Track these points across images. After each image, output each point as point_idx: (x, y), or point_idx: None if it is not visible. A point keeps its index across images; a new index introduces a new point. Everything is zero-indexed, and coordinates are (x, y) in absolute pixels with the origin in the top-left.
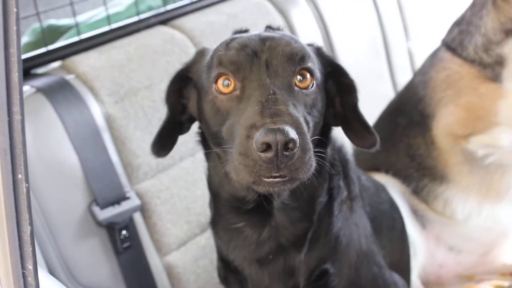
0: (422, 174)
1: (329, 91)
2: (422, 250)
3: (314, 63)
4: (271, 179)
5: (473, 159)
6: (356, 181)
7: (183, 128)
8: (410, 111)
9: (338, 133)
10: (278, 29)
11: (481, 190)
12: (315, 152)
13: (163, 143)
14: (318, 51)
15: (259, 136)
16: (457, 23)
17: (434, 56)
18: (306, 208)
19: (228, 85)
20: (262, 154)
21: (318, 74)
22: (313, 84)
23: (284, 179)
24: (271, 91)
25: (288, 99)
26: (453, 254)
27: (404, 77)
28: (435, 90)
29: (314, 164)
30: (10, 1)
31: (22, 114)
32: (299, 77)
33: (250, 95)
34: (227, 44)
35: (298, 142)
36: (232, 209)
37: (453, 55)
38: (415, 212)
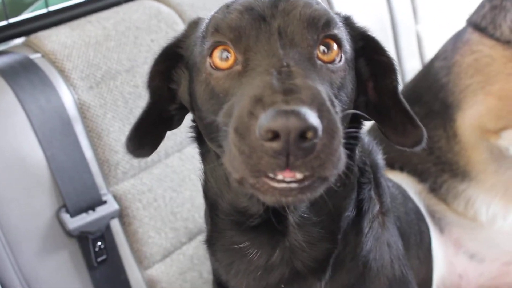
0: (441, 169)
1: (361, 73)
2: (440, 258)
3: (342, 31)
4: (282, 185)
5: (501, 157)
6: (387, 190)
7: (172, 121)
8: (429, 100)
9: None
10: None
11: (508, 192)
12: (346, 145)
13: (143, 139)
14: (347, 20)
15: (264, 120)
16: None
17: (457, 38)
18: (330, 224)
19: (226, 58)
20: (267, 144)
21: (347, 46)
22: (341, 57)
23: (302, 184)
24: (285, 63)
25: (307, 72)
26: (475, 262)
27: (412, 63)
28: (461, 76)
29: (344, 158)
30: None
31: None
32: (322, 47)
33: (255, 68)
34: (227, 7)
35: (319, 130)
36: (234, 224)
37: (482, 35)
38: (432, 214)
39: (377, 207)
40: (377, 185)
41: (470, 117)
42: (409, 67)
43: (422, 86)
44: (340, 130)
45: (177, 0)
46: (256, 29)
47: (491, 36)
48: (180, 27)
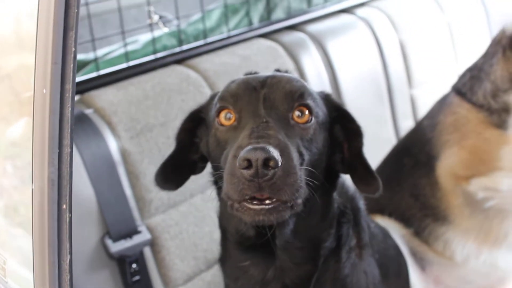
0: (425, 214)
1: (336, 136)
2: None
3: (315, 102)
4: (256, 206)
5: (473, 201)
6: (366, 229)
7: (195, 167)
8: (416, 152)
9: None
10: (285, 71)
11: (480, 233)
12: (309, 185)
13: (169, 176)
14: (326, 97)
15: (242, 153)
16: (470, 69)
17: (443, 101)
18: (311, 250)
19: (229, 119)
20: (244, 171)
21: (319, 113)
22: (311, 120)
23: (268, 206)
24: (264, 120)
25: (280, 128)
26: None
27: (406, 123)
28: (442, 132)
29: (302, 191)
30: (70, 41)
31: (71, 147)
32: (297, 112)
33: (245, 124)
34: (232, 82)
35: (279, 161)
36: (239, 246)
37: (462, 100)
38: (414, 254)
39: (354, 241)
40: (357, 224)
41: (446, 165)
42: (403, 127)
43: (411, 141)
44: (297, 171)
45: (203, 67)
46: (248, 96)
47: (469, 100)
48: (205, 89)
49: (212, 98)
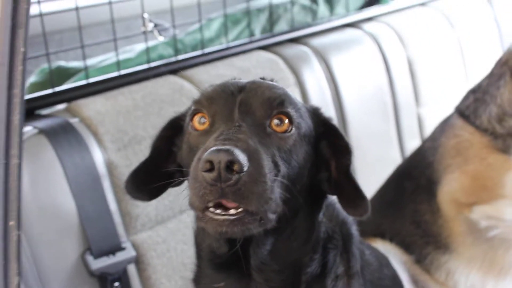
0: (426, 241)
1: (323, 153)
2: None
3: (298, 113)
4: (218, 217)
5: (476, 230)
6: (358, 257)
7: (173, 178)
8: (417, 176)
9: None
10: (271, 80)
11: (484, 263)
12: (287, 200)
13: (141, 185)
14: (314, 110)
15: (204, 155)
16: (473, 91)
17: (445, 123)
18: (291, 275)
19: (203, 123)
20: (206, 174)
21: (302, 124)
22: (291, 129)
23: (232, 217)
24: (237, 124)
25: (254, 135)
26: None
27: (412, 143)
28: (444, 156)
29: (274, 204)
30: (18, 40)
31: (20, 158)
32: (276, 121)
33: (217, 128)
34: (210, 86)
35: (244, 165)
36: (212, 265)
37: (465, 122)
38: (416, 283)
39: (342, 269)
40: (347, 251)
41: (448, 192)
42: (409, 147)
43: (413, 163)
44: (266, 181)
45: (199, 78)
46: (224, 100)
47: (472, 124)
48: None
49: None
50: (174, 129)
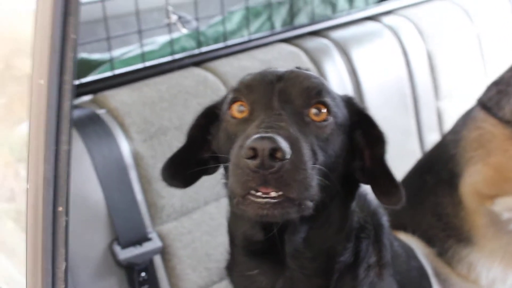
0: (448, 235)
1: (357, 142)
2: None
3: (334, 102)
4: (260, 199)
5: (498, 222)
6: (388, 247)
7: (209, 168)
8: (439, 169)
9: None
10: (306, 70)
11: (506, 256)
12: (323, 188)
13: (177, 172)
14: (348, 100)
15: (248, 142)
16: (496, 83)
17: (467, 115)
18: (324, 263)
19: (242, 111)
20: (249, 161)
21: (338, 113)
22: (328, 118)
23: (274, 200)
24: (277, 112)
25: (293, 123)
26: None
27: (432, 136)
28: (466, 149)
29: (313, 191)
30: (69, 27)
31: (70, 145)
32: (314, 110)
33: (257, 116)
34: (247, 74)
35: (287, 153)
36: (246, 253)
37: (487, 114)
38: (438, 276)
39: (374, 259)
40: (378, 241)
41: (470, 184)
42: (429, 140)
43: (434, 157)
44: (307, 168)
45: (222, 70)
46: (263, 88)
47: (495, 116)
48: (223, 93)
49: (228, 93)
50: (209, 117)
